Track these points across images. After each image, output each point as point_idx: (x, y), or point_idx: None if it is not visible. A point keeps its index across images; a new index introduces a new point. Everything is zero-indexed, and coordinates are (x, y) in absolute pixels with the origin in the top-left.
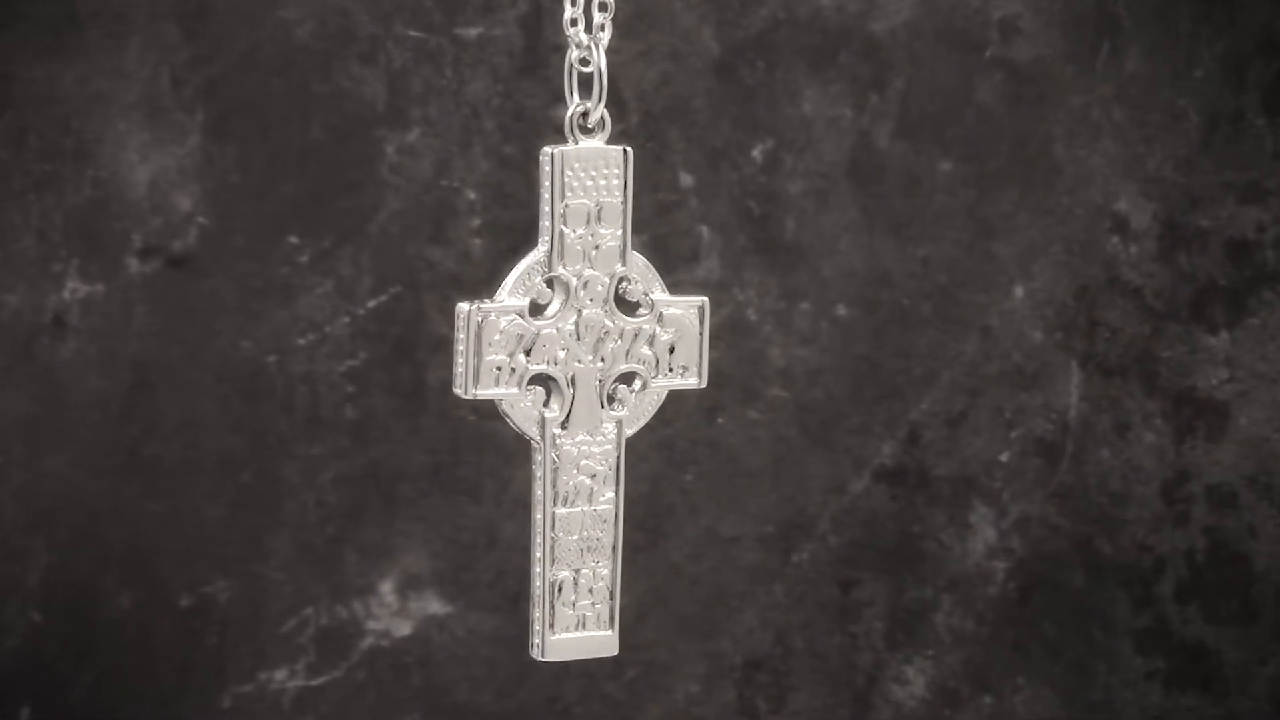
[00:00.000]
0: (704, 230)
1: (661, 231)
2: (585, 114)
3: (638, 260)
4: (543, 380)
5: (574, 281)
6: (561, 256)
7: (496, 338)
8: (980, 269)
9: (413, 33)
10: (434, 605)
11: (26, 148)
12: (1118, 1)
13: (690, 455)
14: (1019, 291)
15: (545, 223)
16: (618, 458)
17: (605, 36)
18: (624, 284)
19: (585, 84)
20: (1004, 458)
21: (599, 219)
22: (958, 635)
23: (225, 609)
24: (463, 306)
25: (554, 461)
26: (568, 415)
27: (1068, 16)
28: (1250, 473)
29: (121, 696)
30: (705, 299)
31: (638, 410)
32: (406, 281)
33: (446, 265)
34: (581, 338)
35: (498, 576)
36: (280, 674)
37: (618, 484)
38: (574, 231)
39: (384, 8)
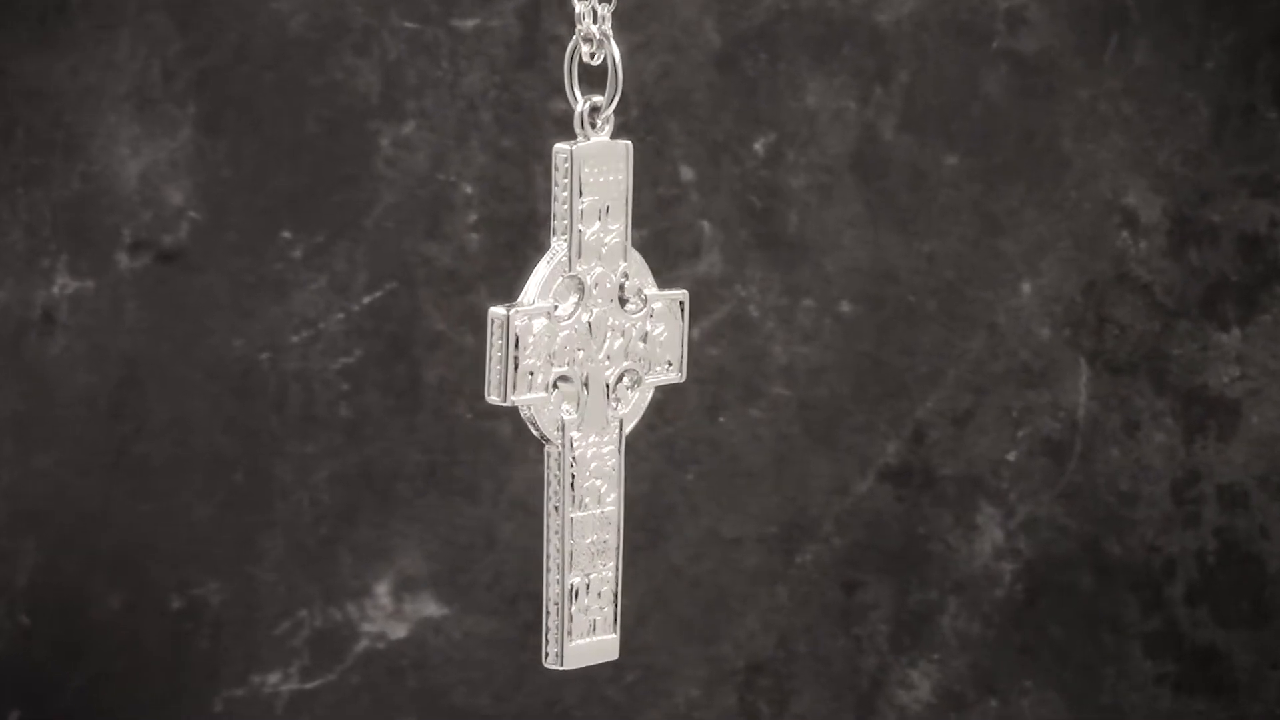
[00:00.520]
0: (705, 225)
1: (662, 227)
2: (595, 109)
3: (635, 255)
4: (558, 382)
5: (588, 280)
6: (580, 255)
7: (530, 341)
8: (987, 265)
9: (408, 24)
10: (430, 607)
11: (15, 141)
12: None
13: (691, 454)
14: (1026, 288)
15: (564, 221)
16: (619, 457)
17: (608, 28)
18: (624, 280)
19: (588, 76)
20: (1011, 457)
21: (607, 215)
22: (964, 638)
23: (217, 611)
24: (498, 311)
25: (571, 464)
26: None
27: (1075, 8)
28: (1262, 472)
29: (112, 700)
30: (685, 292)
31: (635, 408)
32: (402, 277)
33: (443, 261)
34: (594, 337)
35: (495, 578)
36: (273, 677)
37: (619, 484)
38: (589, 230)
39: None
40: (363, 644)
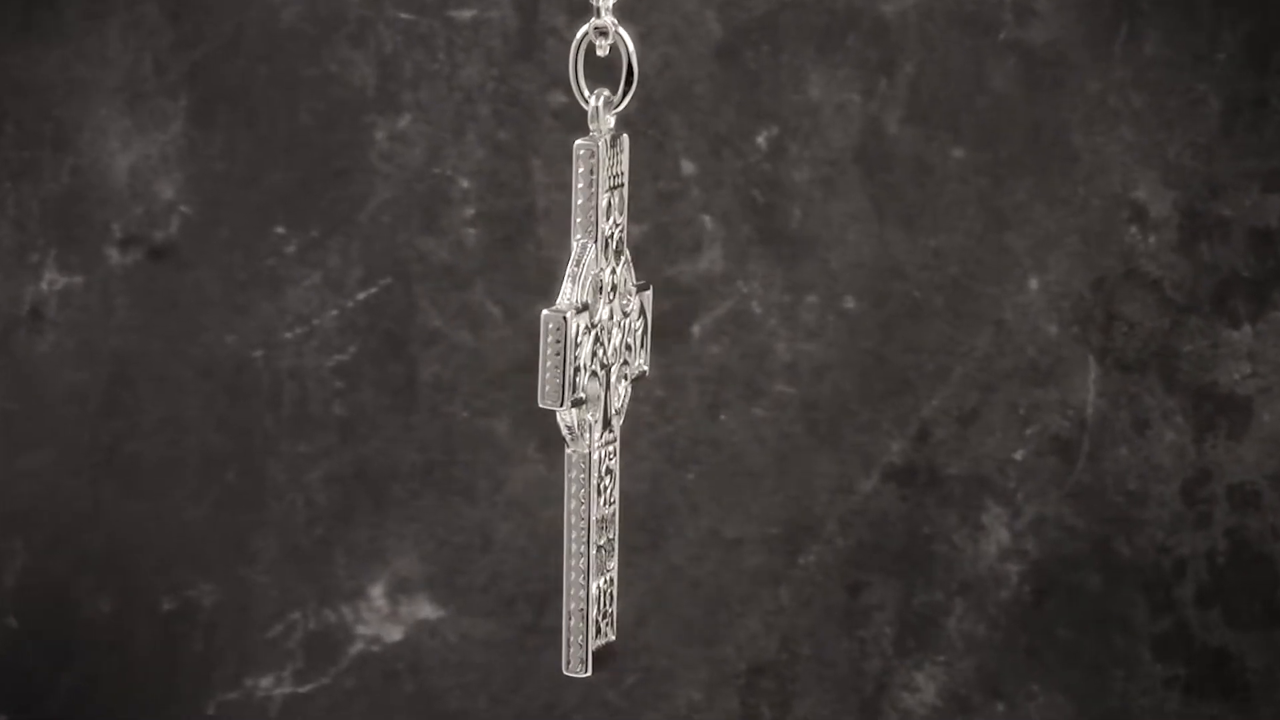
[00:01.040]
0: (706, 220)
1: (662, 221)
2: (608, 102)
3: (625, 249)
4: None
5: (607, 277)
6: (604, 252)
7: (579, 343)
8: (994, 260)
9: (404, 15)
10: (426, 609)
11: (3, 134)
12: None
13: (691, 454)
14: (1034, 284)
15: (590, 217)
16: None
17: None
18: (626, 275)
19: (589, 69)
20: (1018, 456)
21: (617, 211)
22: (970, 640)
23: (209, 613)
24: (552, 315)
25: (592, 464)
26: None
27: None
28: (1274, 471)
29: (102, 704)
30: (649, 285)
31: (624, 402)
32: (397, 273)
33: (439, 256)
34: (606, 333)
35: (492, 579)
36: (267, 681)
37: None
38: (608, 226)
39: None
40: (357, 646)
